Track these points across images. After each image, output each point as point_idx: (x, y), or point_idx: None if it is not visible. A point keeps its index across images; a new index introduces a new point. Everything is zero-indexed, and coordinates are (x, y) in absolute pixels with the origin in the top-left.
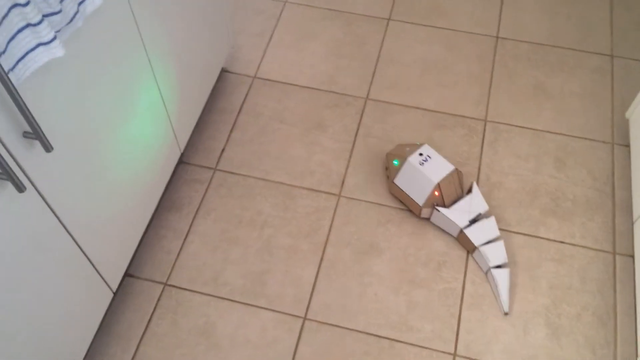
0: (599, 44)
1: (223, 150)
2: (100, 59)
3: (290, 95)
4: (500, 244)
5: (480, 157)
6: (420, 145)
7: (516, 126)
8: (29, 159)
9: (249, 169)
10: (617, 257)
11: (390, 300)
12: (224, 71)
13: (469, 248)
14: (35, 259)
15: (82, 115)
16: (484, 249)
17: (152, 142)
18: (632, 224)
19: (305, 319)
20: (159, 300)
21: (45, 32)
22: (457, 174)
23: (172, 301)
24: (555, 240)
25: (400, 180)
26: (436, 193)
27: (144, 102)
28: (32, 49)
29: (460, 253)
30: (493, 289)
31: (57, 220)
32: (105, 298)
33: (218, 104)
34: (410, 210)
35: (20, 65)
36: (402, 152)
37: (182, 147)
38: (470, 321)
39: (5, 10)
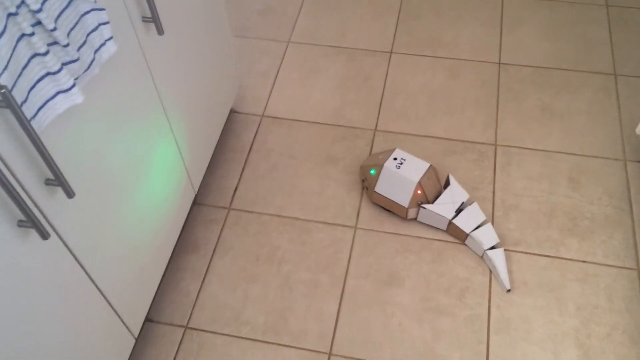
0: (601, 64)
1: (236, 188)
2: (116, 105)
3: (299, 131)
4: (489, 227)
5: (494, 181)
6: (392, 150)
7: (526, 148)
8: (51, 206)
9: (263, 206)
10: None
11: (414, 329)
12: (232, 112)
13: (461, 237)
14: (59, 306)
15: (100, 161)
16: (475, 234)
17: (168, 185)
18: None
19: (330, 354)
20: (180, 344)
21: (64, 79)
22: (433, 170)
23: (194, 344)
24: (577, 260)
25: (381, 188)
26: (419, 192)
27: (159, 147)
28: (52, 97)
29: (482, 278)
30: (492, 270)
31: (80, 266)
32: (127, 344)
33: (228, 144)
34: (398, 215)
35: (40, 113)
36: (376, 161)
37: (196, 188)
38: (500, 346)
39: (25, 60)
